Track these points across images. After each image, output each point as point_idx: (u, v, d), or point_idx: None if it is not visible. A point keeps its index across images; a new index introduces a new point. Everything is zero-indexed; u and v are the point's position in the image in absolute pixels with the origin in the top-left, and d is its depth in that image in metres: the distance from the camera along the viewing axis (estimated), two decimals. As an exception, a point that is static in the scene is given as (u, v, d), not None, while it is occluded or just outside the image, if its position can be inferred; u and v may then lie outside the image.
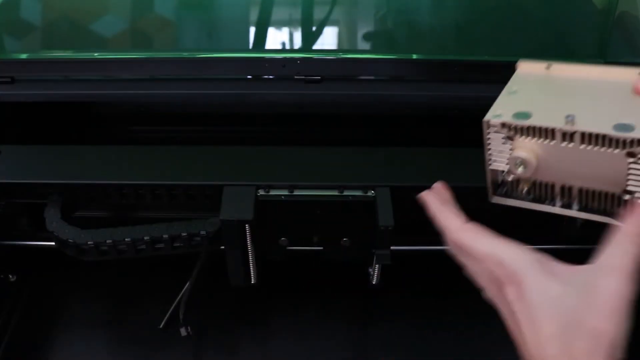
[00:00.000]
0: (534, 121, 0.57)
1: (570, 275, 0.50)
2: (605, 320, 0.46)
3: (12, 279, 1.02)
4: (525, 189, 0.62)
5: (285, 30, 1.05)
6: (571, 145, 0.56)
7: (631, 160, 0.53)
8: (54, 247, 0.84)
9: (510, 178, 0.62)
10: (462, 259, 0.58)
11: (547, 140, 0.57)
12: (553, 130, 0.56)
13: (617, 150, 0.53)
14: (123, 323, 0.99)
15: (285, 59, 0.98)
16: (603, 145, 0.54)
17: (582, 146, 0.55)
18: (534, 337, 0.48)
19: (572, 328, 0.47)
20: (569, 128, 0.54)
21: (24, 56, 1.01)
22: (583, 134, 0.54)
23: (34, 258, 1.03)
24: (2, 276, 1.01)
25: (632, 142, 0.52)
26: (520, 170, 0.59)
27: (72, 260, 0.85)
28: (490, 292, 0.55)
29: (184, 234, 0.80)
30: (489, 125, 0.60)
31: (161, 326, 0.97)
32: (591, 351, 0.46)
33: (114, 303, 1.02)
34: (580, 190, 0.58)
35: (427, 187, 0.83)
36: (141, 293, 1.03)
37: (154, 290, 1.02)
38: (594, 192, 0.57)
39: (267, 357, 0.96)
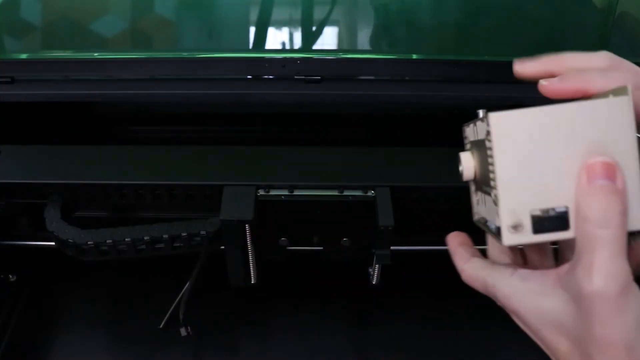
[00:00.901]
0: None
1: (554, 283, 0.45)
2: (611, 327, 0.41)
3: (12, 279, 1.02)
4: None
5: (285, 30, 1.05)
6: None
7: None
8: (54, 247, 0.84)
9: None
10: None
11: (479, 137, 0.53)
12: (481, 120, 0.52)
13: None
14: (123, 323, 0.99)
15: (285, 59, 0.98)
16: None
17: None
18: (555, 356, 0.46)
19: (584, 341, 0.43)
20: (482, 113, 0.50)
21: (24, 56, 1.01)
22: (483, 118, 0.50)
23: (34, 258, 1.04)
24: (2, 276, 1.01)
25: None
26: (460, 170, 0.56)
27: (72, 260, 0.85)
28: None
29: (184, 234, 0.80)
30: (464, 130, 0.59)
31: (161, 326, 0.97)
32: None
33: (114, 303, 1.02)
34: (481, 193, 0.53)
35: (427, 187, 0.83)
36: (141, 293, 1.03)
37: (154, 290, 1.02)
38: (485, 194, 0.51)
39: (267, 357, 0.96)
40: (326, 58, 1.00)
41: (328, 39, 1.05)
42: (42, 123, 1.10)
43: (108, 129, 1.17)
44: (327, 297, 1.04)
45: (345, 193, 0.80)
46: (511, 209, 0.46)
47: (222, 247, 0.81)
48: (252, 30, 1.04)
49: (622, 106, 0.45)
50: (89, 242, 0.79)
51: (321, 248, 0.85)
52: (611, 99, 0.45)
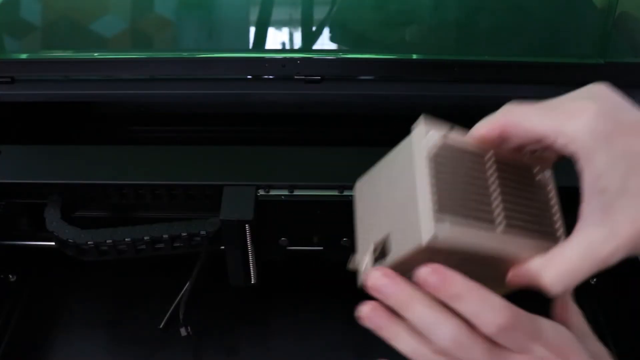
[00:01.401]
0: None
1: None
2: None
3: (12, 279, 1.02)
4: None
5: (285, 30, 1.05)
6: None
7: None
8: (54, 247, 0.84)
9: None
10: None
11: None
12: None
13: None
14: (123, 323, 0.98)
15: (285, 59, 0.98)
16: None
17: None
18: None
19: None
20: None
21: (24, 56, 1.01)
22: None
23: (34, 258, 1.03)
24: (2, 276, 1.00)
25: None
26: None
27: (72, 260, 0.85)
28: None
29: (184, 234, 0.80)
30: None
31: (161, 326, 0.96)
32: None
33: (114, 303, 1.01)
34: None
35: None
36: (141, 293, 1.03)
37: (154, 290, 1.02)
38: None
39: (267, 357, 0.96)
40: (326, 58, 1.00)
41: (328, 39, 1.05)
42: (42, 123, 1.10)
43: (108, 129, 1.17)
44: (327, 297, 1.03)
45: (345, 193, 0.80)
46: (361, 246, 0.50)
47: (222, 247, 0.81)
48: (252, 30, 1.04)
49: (413, 140, 0.48)
50: (89, 242, 0.79)
51: (321, 248, 0.85)
52: (407, 138, 0.49)
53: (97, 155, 0.87)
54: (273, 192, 0.80)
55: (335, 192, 0.80)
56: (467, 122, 1.07)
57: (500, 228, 0.45)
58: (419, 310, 0.43)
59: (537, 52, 1.02)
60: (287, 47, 1.04)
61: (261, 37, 1.04)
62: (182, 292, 0.93)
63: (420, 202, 0.44)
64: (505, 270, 0.47)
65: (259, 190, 0.79)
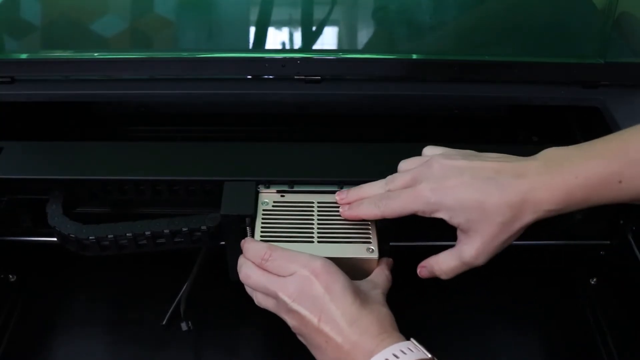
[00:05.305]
0: None
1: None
2: None
3: (12, 279, 1.02)
4: None
5: (285, 30, 1.05)
6: None
7: None
8: (55, 245, 0.84)
9: None
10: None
11: None
12: None
13: None
14: (124, 322, 0.98)
15: (285, 59, 0.98)
16: None
17: None
18: None
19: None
20: None
21: (24, 56, 1.02)
22: None
23: (34, 257, 1.03)
24: (2, 276, 1.00)
25: None
26: None
27: (72, 260, 0.85)
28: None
29: (184, 229, 0.80)
30: None
31: (164, 323, 0.96)
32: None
33: (114, 302, 1.01)
34: None
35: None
36: (142, 291, 1.02)
37: (154, 288, 1.01)
38: None
39: (268, 354, 0.95)
40: (326, 58, 1.00)
41: (328, 39, 1.05)
42: (42, 123, 1.10)
43: (108, 129, 1.18)
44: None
45: (345, 189, 0.80)
46: None
47: (223, 242, 0.81)
48: (252, 30, 1.04)
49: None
50: (90, 237, 0.79)
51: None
52: None
53: (99, 151, 0.87)
54: (273, 188, 0.80)
55: (335, 188, 0.80)
56: (467, 122, 1.08)
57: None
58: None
59: (537, 52, 1.02)
60: (287, 47, 1.04)
61: (261, 37, 1.04)
62: (183, 289, 0.93)
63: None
64: (352, 266, 0.73)
65: (259, 186, 0.80)
